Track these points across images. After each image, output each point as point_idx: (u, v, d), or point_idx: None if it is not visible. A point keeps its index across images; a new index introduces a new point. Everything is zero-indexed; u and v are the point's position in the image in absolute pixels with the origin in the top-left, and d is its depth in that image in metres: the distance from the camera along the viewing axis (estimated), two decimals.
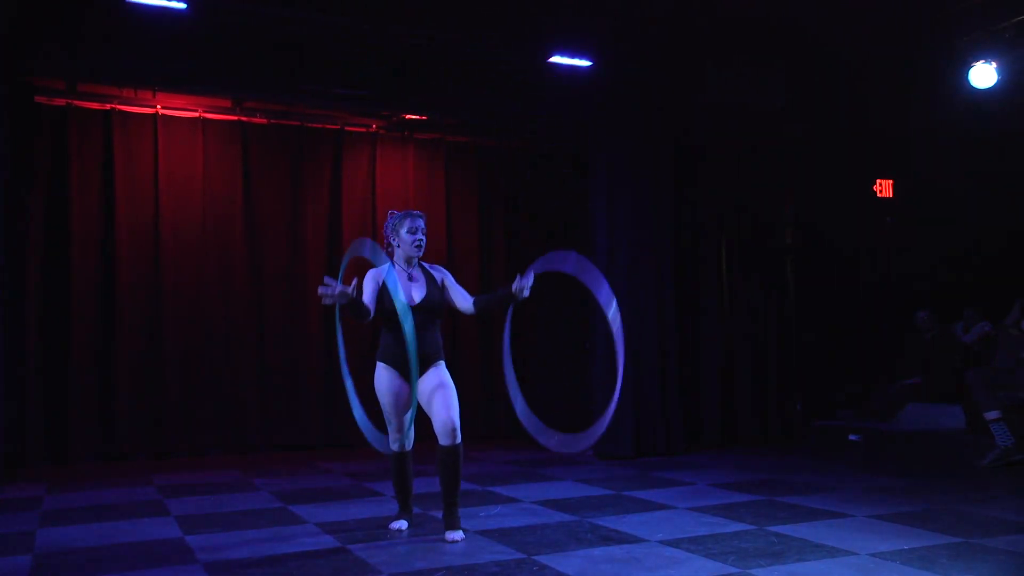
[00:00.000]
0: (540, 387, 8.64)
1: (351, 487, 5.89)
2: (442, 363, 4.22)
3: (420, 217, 4.22)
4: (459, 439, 4.09)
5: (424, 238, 4.20)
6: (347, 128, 8.10)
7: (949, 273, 9.07)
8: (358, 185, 8.19)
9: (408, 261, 4.21)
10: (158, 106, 7.38)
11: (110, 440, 7.12)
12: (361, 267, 4.15)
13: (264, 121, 7.80)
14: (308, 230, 7.95)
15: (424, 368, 4.14)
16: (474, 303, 4.29)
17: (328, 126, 8.04)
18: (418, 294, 4.14)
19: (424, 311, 4.13)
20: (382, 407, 4.21)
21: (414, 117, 8.12)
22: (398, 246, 4.20)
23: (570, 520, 4.73)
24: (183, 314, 7.42)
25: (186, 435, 7.35)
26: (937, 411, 8.14)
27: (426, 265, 4.29)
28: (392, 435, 4.27)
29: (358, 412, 4.10)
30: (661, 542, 4.19)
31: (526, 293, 4.13)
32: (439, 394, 4.10)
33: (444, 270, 4.34)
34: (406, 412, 4.16)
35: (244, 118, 7.70)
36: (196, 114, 7.52)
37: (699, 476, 6.12)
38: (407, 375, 4.10)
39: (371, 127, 8.21)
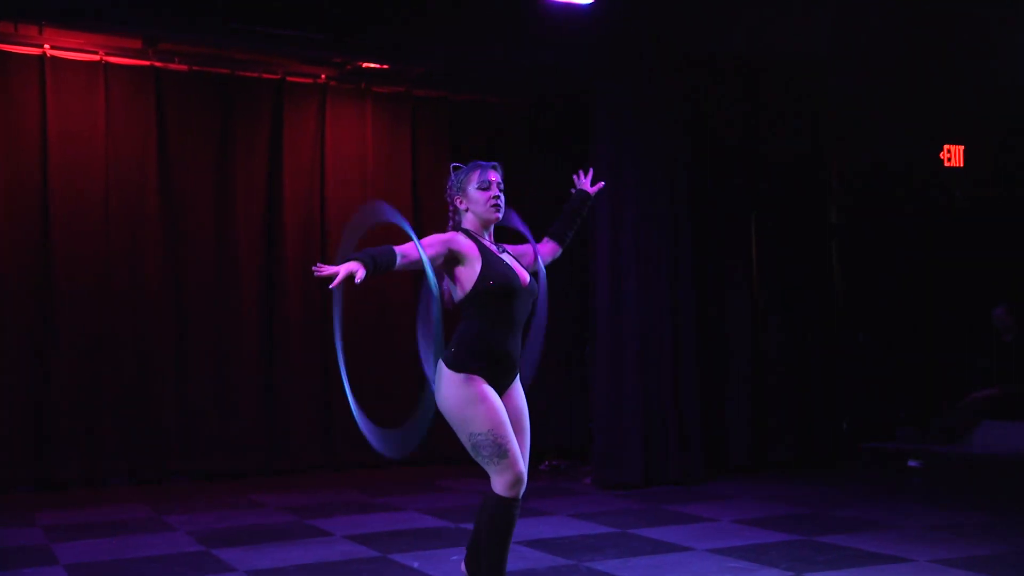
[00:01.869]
0: (531, 395, 8.60)
1: (291, 525, 5.81)
2: (518, 378, 3.76)
3: (494, 168, 3.75)
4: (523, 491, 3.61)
5: (502, 195, 3.72)
6: (289, 78, 8.04)
7: None
8: (303, 148, 8.11)
9: (484, 229, 3.70)
10: (46, 45, 7.25)
11: None
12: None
13: (184, 68, 7.70)
14: (240, 204, 7.87)
15: (509, 379, 3.66)
16: (555, 237, 4.05)
17: (266, 75, 7.97)
18: (524, 273, 3.68)
19: (528, 297, 3.68)
20: (475, 439, 3.53)
21: (373, 66, 8.05)
22: (466, 210, 3.71)
23: (563, 565, 4.68)
24: (79, 311, 7.31)
25: (81, 461, 7.25)
26: (1018, 430, 8.11)
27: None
28: (506, 474, 3.54)
29: (359, 416, 3.76)
30: None
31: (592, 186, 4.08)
32: (526, 427, 3.69)
33: (529, 248, 3.92)
34: (513, 434, 3.59)
35: (158, 63, 7.61)
36: (96, 57, 7.41)
37: (722, 510, 6.08)
38: (500, 389, 3.61)
39: (319, 77, 8.14)
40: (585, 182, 4.16)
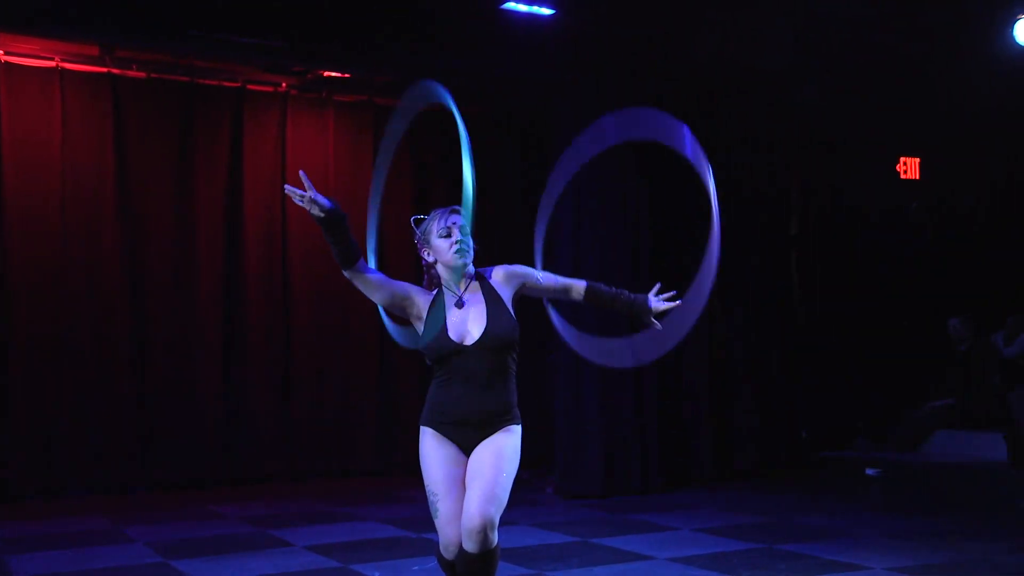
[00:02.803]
0: None
1: (252, 535, 5.79)
2: (514, 429, 3.54)
3: (454, 212, 3.54)
4: (492, 543, 3.36)
5: (466, 238, 3.50)
6: (250, 87, 8.00)
7: (988, 271, 9.24)
8: (264, 158, 8.08)
9: (457, 278, 3.52)
10: None
11: None
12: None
13: (143, 75, 7.64)
14: (200, 213, 7.81)
15: (484, 432, 3.48)
16: (587, 290, 3.80)
17: (226, 83, 7.92)
18: (476, 327, 3.46)
19: (486, 352, 3.46)
20: (426, 488, 3.51)
21: (335, 75, 8.03)
22: (435, 262, 3.54)
23: (525, 575, 4.70)
24: (35, 319, 7.20)
25: (38, 471, 7.14)
26: (973, 439, 8.29)
27: (485, 273, 3.60)
28: (441, 531, 3.45)
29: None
30: None
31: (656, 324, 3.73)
32: (484, 472, 3.42)
33: (516, 270, 3.64)
34: (458, 494, 3.46)
35: (116, 70, 7.53)
36: (52, 63, 7.32)
37: (683, 519, 6.13)
38: (466, 445, 3.49)
39: (280, 86, 8.11)
40: (654, 297, 3.93)
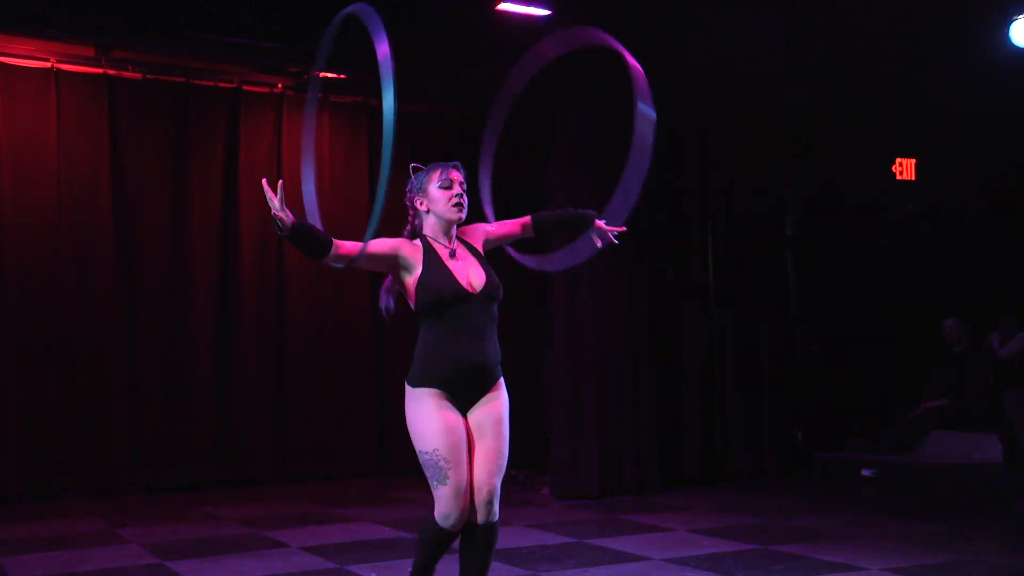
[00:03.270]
0: None
1: (247, 537, 5.79)
2: (503, 383, 3.66)
3: (456, 167, 3.65)
4: (496, 515, 3.51)
5: (465, 194, 3.61)
6: (245, 87, 8.00)
7: (983, 273, 9.27)
8: (259, 158, 8.09)
9: (447, 231, 3.60)
10: None
11: None
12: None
13: (138, 76, 7.64)
14: (196, 213, 7.81)
15: (483, 388, 3.57)
16: (535, 220, 3.88)
17: (221, 84, 7.93)
18: (477, 277, 3.55)
19: (486, 300, 3.54)
20: (425, 457, 3.45)
21: (330, 75, 8.04)
22: (427, 212, 3.60)
23: (520, 575, 4.69)
24: (28, 319, 7.20)
25: (31, 473, 7.13)
26: (968, 440, 8.31)
27: (462, 235, 3.70)
28: (445, 502, 3.42)
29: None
30: None
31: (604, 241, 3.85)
32: (489, 445, 3.52)
33: (476, 227, 3.76)
34: (470, 465, 3.49)
35: (112, 71, 7.53)
36: (48, 64, 7.32)
37: (679, 520, 6.15)
38: (465, 401, 3.54)
39: (276, 87, 8.11)
40: (604, 225, 3.96)
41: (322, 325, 8.12)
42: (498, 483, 3.47)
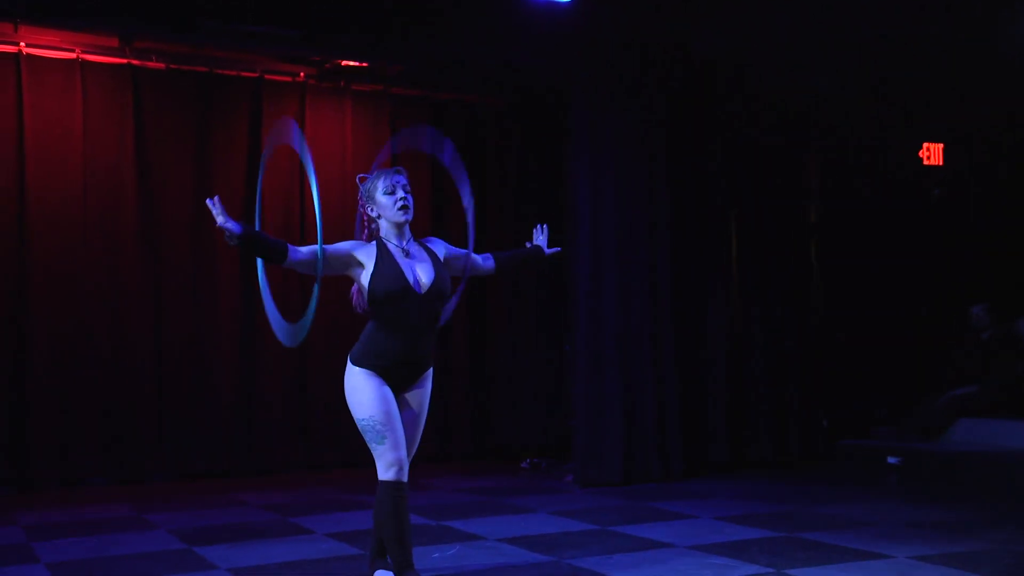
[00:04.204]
0: (510, 390, 8.67)
1: (273, 523, 5.85)
2: (431, 373, 4.10)
3: (398, 172, 4.00)
4: (406, 477, 3.98)
5: (409, 196, 3.98)
6: (268, 76, 8.05)
7: (1011, 259, 9.18)
8: (283, 147, 8.08)
9: (399, 233, 3.98)
10: (22, 43, 7.24)
11: None
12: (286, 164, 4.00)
13: (161, 66, 7.70)
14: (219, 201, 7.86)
15: (414, 377, 4.02)
16: (497, 261, 4.33)
17: (244, 73, 7.97)
18: (426, 275, 3.93)
19: (434, 299, 3.93)
20: (363, 423, 3.90)
21: (352, 64, 8.07)
22: (379, 217, 3.98)
23: (544, 561, 4.73)
24: (56, 308, 7.30)
25: (60, 461, 7.25)
26: (996, 427, 8.24)
27: (423, 240, 4.11)
28: (386, 457, 3.89)
29: (267, 298, 4.06)
30: None
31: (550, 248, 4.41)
32: (409, 428, 4.01)
33: (441, 241, 4.18)
34: (399, 424, 3.93)
35: (135, 61, 7.60)
36: (73, 55, 7.40)
37: (703, 507, 6.16)
38: (399, 386, 3.99)
39: (298, 76, 8.15)
40: (543, 238, 4.47)
41: (344, 312, 8.14)
42: (411, 455, 3.98)
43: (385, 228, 3.99)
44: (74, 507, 6.45)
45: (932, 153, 9.51)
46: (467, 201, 4.25)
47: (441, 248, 4.12)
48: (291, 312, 4.31)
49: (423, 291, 3.89)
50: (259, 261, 4.01)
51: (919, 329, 9.42)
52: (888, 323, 9.34)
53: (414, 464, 4.11)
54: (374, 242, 3.96)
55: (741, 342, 8.07)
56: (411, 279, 3.87)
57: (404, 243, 3.97)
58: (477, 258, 4.26)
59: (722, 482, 7.17)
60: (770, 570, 4.48)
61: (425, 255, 3.99)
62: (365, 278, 3.89)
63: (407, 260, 3.92)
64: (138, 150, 7.64)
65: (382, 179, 3.96)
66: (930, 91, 8.79)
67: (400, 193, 3.95)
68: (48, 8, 6.34)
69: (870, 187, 9.23)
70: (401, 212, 3.95)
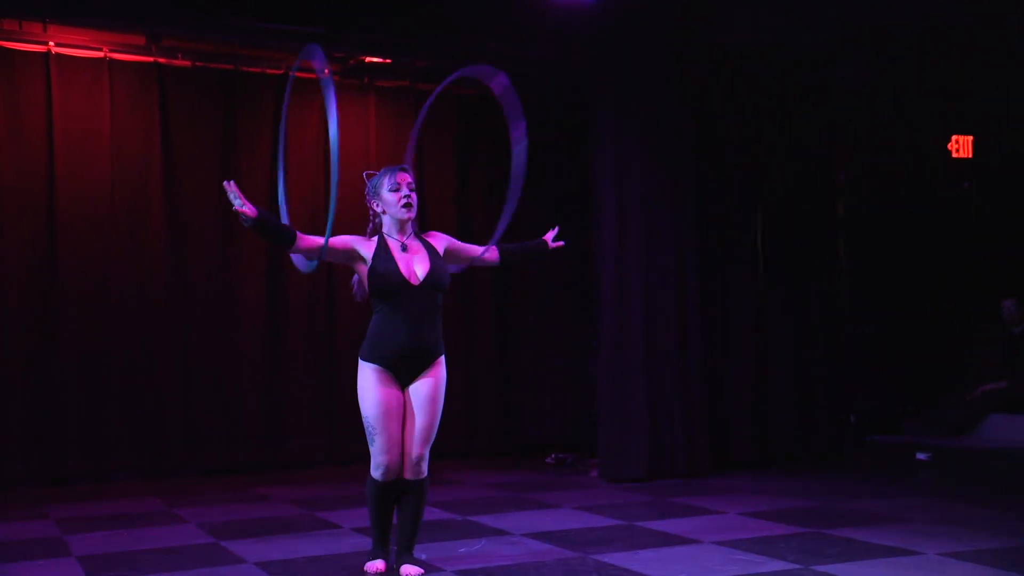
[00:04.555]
0: (535, 386, 8.67)
1: (299, 517, 5.89)
2: (443, 361, 4.26)
3: (403, 170, 4.21)
4: (423, 474, 4.27)
5: (413, 194, 4.19)
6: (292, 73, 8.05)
7: None
8: (307, 143, 8.17)
9: (401, 228, 4.20)
10: (51, 42, 7.31)
11: None
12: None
13: (188, 63, 7.75)
14: (245, 198, 7.90)
15: (421, 366, 4.20)
16: (501, 253, 4.44)
17: (269, 71, 8.01)
18: (421, 268, 4.15)
19: (430, 290, 4.14)
20: (364, 419, 4.22)
21: (376, 60, 8.09)
22: (383, 212, 4.20)
23: (570, 557, 4.73)
24: (84, 306, 7.38)
25: (89, 456, 7.33)
26: None
27: (423, 235, 4.31)
28: (375, 457, 4.25)
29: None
30: None
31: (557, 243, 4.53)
32: (421, 417, 4.20)
33: (442, 235, 4.37)
34: (399, 431, 4.22)
35: (162, 59, 7.66)
36: (101, 54, 7.46)
37: (729, 503, 6.13)
38: (405, 377, 4.20)
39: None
40: (548, 236, 4.60)
41: (370, 308, 8.18)
42: (426, 451, 4.22)
43: (388, 223, 4.20)
44: (104, 501, 6.53)
45: (961, 146, 9.43)
46: (518, 148, 4.37)
47: (442, 242, 4.29)
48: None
49: (418, 283, 4.10)
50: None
51: (947, 323, 9.35)
52: (916, 317, 9.28)
53: (438, 456, 4.22)
54: (376, 237, 4.18)
55: (767, 336, 8.03)
56: (405, 272, 4.09)
57: (404, 238, 4.18)
58: (479, 249, 4.42)
59: (748, 478, 7.14)
60: (798, 566, 4.45)
61: (423, 249, 4.19)
62: (364, 272, 4.13)
63: (404, 255, 4.13)
64: (164, 147, 7.70)
65: (387, 176, 4.17)
66: (959, 83, 8.71)
67: (404, 191, 4.14)
68: (76, 7, 6.40)
69: (898, 181, 9.17)
70: (404, 209, 4.14)
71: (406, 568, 4.29)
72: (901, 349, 9.12)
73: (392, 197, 4.15)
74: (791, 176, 8.16)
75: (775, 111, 8.07)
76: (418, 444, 4.20)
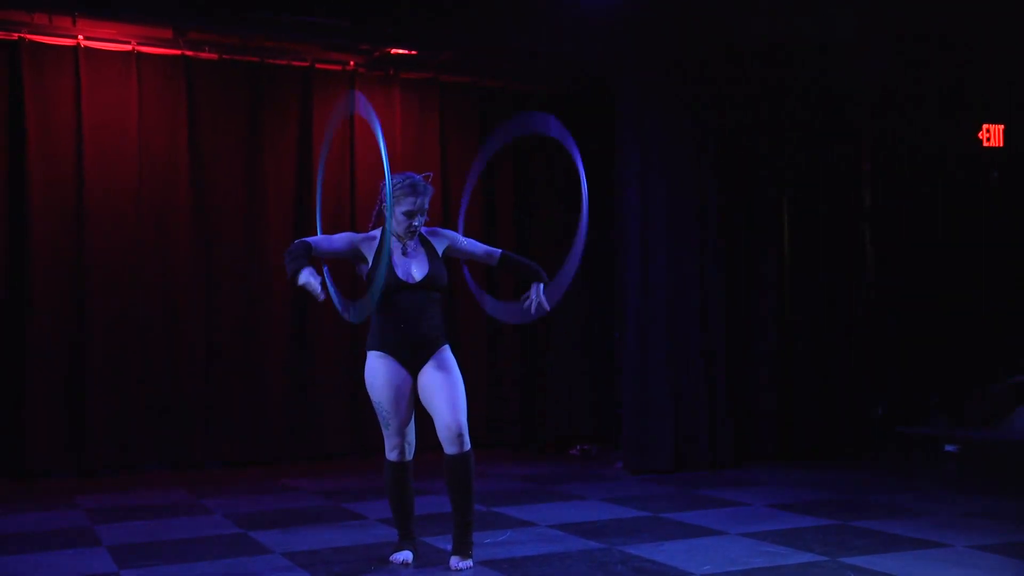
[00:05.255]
0: (559, 378, 8.66)
1: (325, 508, 5.92)
2: (446, 348, 4.37)
3: (426, 195, 4.29)
4: (467, 445, 4.28)
5: (423, 218, 4.32)
6: (318, 65, 8.09)
7: None
8: (333, 135, 8.16)
9: (404, 233, 4.33)
10: (80, 36, 7.35)
11: (21, 454, 7.14)
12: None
13: (214, 56, 7.78)
14: (270, 190, 7.95)
15: (424, 355, 4.31)
16: (501, 257, 4.54)
17: (295, 63, 8.03)
18: (419, 271, 4.30)
19: (426, 289, 4.29)
20: (375, 406, 4.34)
21: (401, 52, 8.09)
22: (391, 217, 4.30)
23: (596, 548, 4.74)
24: (112, 298, 7.42)
25: (117, 447, 7.38)
26: None
27: (424, 231, 4.41)
28: (390, 440, 4.37)
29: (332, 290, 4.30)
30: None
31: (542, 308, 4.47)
32: (443, 390, 4.25)
33: (446, 233, 4.47)
34: (409, 413, 4.34)
35: (189, 52, 7.69)
36: (128, 47, 7.51)
37: (754, 495, 6.12)
38: (410, 365, 4.31)
39: (348, 64, 8.19)
40: (543, 299, 4.51)
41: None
42: (463, 419, 4.25)
43: (392, 226, 4.31)
44: (132, 492, 6.58)
45: (992, 134, 9.32)
46: (583, 187, 4.58)
47: (443, 242, 4.42)
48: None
49: (414, 283, 4.26)
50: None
51: (975, 314, 9.25)
52: (944, 308, 9.19)
53: (475, 454, 4.26)
54: (377, 233, 4.34)
55: (792, 327, 7.99)
56: (402, 274, 4.25)
57: (406, 239, 4.31)
58: (483, 249, 4.53)
59: (773, 470, 7.11)
60: (824, 558, 4.44)
61: (422, 250, 4.34)
62: (364, 271, 4.32)
63: (403, 258, 4.29)
64: (191, 140, 7.73)
65: (411, 196, 4.25)
66: (990, 70, 8.60)
67: (416, 221, 4.28)
68: (105, 1, 6.43)
69: (927, 169, 9.07)
70: (408, 235, 4.30)
71: (455, 560, 4.32)
72: (928, 340, 9.03)
73: (404, 220, 4.27)
74: (816, 166, 8.11)
75: (800, 101, 8.00)
76: (451, 413, 4.23)
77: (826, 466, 7.28)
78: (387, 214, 4.19)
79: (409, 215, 4.25)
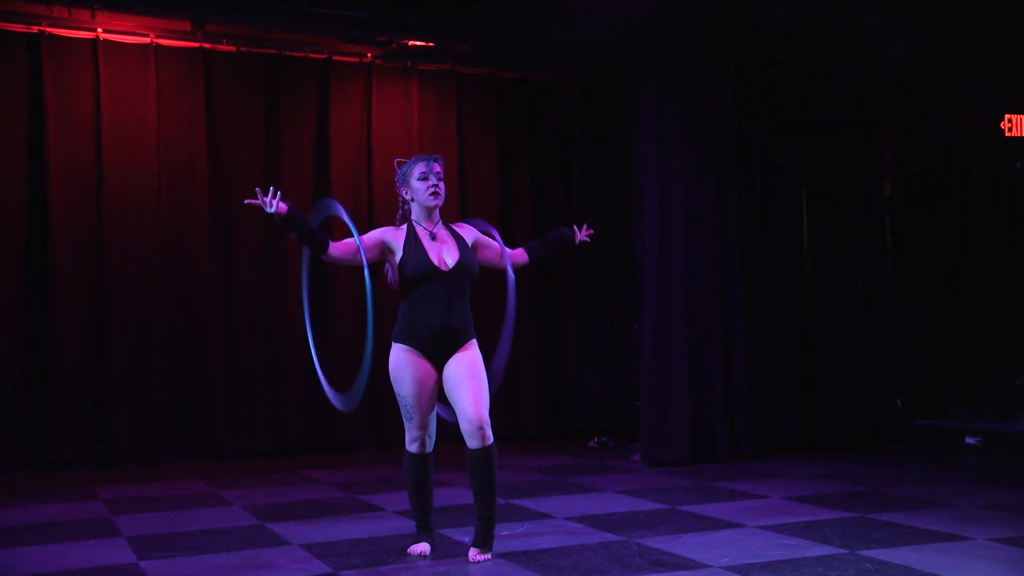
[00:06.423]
0: (577, 370, 8.65)
1: (343, 500, 5.93)
2: (473, 343, 4.34)
3: (433, 159, 4.31)
4: (490, 439, 4.25)
5: (441, 183, 4.30)
6: (335, 57, 8.10)
7: None
8: (350, 127, 8.19)
9: (429, 216, 4.32)
10: (99, 29, 7.39)
11: (42, 445, 7.21)
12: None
13: (232, 49, 7.80)
14: (288, 182, 7.96)
15: (451, 349, 4.28)
16: (528, 252, 4.59)
17: (312, 55, 8.04)
18: (451, 256, 4.27)
19: (457, 277, 4.26)
20: (399, 398, 4.33)
21: (418, 43, 8.09)
22: (412, 199, 4.31)
23: (613, 540, 4.72)
24: (132, 290, 7.47)
25: (138, 438, 7.43)
26: None
27: (452, 225, 4.41)
28: (411, 433, 4.38)
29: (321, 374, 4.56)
30: (726, 568, 4.16)
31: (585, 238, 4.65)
32: (467, 384, 4.24)
33: (472, 228, 4.48)
34: (432, 406, 4.34)
35: (207, 44, 7.71)
36: (147, 39, 7.53)
37: (772, 487, 6.09)
38: (436, 359, 4.28)
39: (365, 56, 8.19)
40: (581, 234, 4.70)
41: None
42: (484, 413, 4.23)
43: (416, 211, 4.32)
44: (152, 483, 6.62)
45: (1015, 125, 9.22)
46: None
47: (471, 233, 4.42)
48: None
49: (448, 270, 4.23)
50: (311, 343, 4.71)
51: (996, 306, 9.18)
52: (964, 300, 9.12)
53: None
54: (405, 225, 4.32)
55: (811, 320, 7.95)
56: (435, 260, 4.22)
57: (433, 227, 4.30)
58: (512, 254, 4.56)
59: (792, 462, 7.08)
60: (843, 551, 4.41)
61: (451, 238, 4.31)
62: (396, 261, 4.29)
63: (434, 243, 4.26)
64: (209, 131, 7.76)
65: (418, 165, 4.28)
66: (1011, 60, 8.51)
67: (433, 180, 4.25)
68: None
69: (948, 160, 8.99)
70: (432, 197, 4.26)
71: (474, 552, 4.32)
72: (949, 332, 8.96)
73: (421, 185, 4.26)
74: (837, 157, 8.05)
75: (820, 92, 7.95)
76: (474, 406, 4.21)
77: (845, 458, 7.23)
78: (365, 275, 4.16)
79: (423, 177, 4.25)
